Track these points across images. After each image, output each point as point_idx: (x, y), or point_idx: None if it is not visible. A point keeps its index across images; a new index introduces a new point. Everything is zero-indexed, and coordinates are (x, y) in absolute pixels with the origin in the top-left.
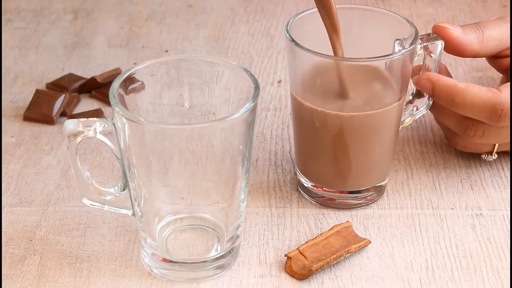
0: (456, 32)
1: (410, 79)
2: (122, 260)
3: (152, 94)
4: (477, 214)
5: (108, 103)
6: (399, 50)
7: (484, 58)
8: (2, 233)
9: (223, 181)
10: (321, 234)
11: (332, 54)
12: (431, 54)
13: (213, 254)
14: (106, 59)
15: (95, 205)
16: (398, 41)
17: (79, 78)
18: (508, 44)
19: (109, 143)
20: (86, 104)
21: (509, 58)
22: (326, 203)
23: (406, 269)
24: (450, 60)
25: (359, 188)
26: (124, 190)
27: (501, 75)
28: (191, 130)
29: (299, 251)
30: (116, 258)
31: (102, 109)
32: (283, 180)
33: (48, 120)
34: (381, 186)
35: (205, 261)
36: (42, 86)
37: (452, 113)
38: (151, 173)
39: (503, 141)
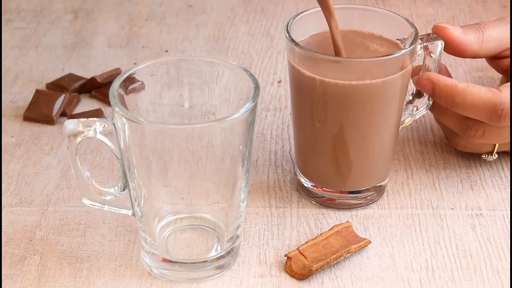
0: (456, 33)
1: (410, 79)
2: (122, 260)
3: (152, 94)
4: (477, 214)
5: (108, 103)
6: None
7: (484, 58)
8: (2, 233)
9: (223, 181)
10: (321, 234)
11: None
12: (431, 54)
13: (213, 254)
14: (106, 59)
15: (95, 205)
16: (398, 41)
17: (79, 78)
18: (508, 45)
19: (109, 143)
20: (86, 104)
21: (509, 59)
22: (326, 203)
23: (406, 269)
24: (450, 60)
25: (359, 188)
26: (124, 190)
27: (501, 75)
28: (191, 130)
29: (299, 251)
30: (116, 258)
31: (102, 109)
32: (283, 180)
33: (48, 120)
34: (381, 186)
35: (205, 261)
36: (42, 86)
37: (452, 113)
38: (151, 173)
39: (504, 141)
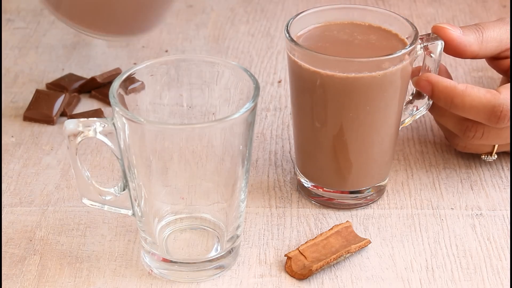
0: (456, 33)
1: (410, 80)
2: (122, 260)
3: (152, 94)
4: (477, 214)
5: (108, 103)
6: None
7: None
8: (2, 233)
9: (223, 181)
10: (321, 234)
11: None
12: (431, 54)
13: (213, 254)
14: (106, 59)
15: (95, 205)
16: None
17: (79, 78)
18: (508, 45)
19: (109, 143)
20: (86, 104)
21: (508, 59)
22: (326, 203)
23: (406, 269)
24: (450, 61)
25: (359, 188)
26: (124, 190)
27: (501, 76)
28: (191, 130)
29: (299, 251)
30: (116, 258)
31: (102, 109)
32: (283, 180)
33: (48, 120)
34: (381, 186)
35: (205, 261)
36: (42, 86)
37: (451, 115)
38: (151, 173)
39: (503, 142)
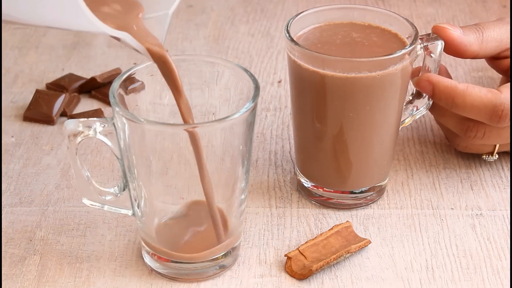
0: (456, 33)
1: (410, 80)
2: (122, 260)
3: (152, 94)
4: (477, 214)
5: (108, 103)
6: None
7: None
8: (2, 233)
9: (223, 181)
10: (321, 234)
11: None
12: (431, 54)
13: (213, 254)
14: (106, 59)
15: (95, 205)
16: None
17: (79, 78)
18: (508, 45)
19: (109, 143)
20: (86, 104)
21: (508, 59)
22: (326, 203)
23: (406, 269)
24: (450, 61)
25: (359, 188)
26: (124, 190)
27: (501, 76)
28: (191, 130)
29: (299, 251)
30: (116, 258)
31: (102, 109)
32: (283, 180)
33: (48, 120)
34: (381, 186)
35: (205, 261)
36: (42, 86)
37: (452, 115)
38: (151, 173)
39: (504, 142)
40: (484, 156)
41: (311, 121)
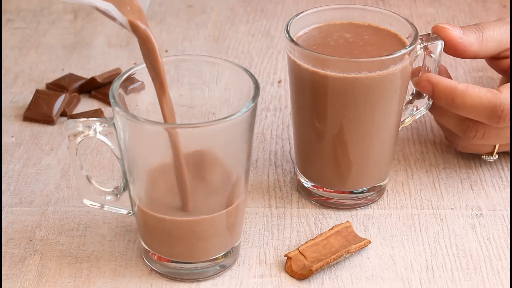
0: (456, 33)
1: (410, 80)
2: (122, 260)
3: (152, 94)
4: (477, 214)
5: (108, 103)
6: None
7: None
8: (2, 233)
9: (223, 181)
10: (321, 234)
11: None
12: (431, 54)
13: (213, 254)
14: (106, 59)
15: (95, 205)
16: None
17: (79, 78)
18: (508, 45)
19: (109, 143)
20: (86, 104)
21: (508, 59)
22: (326, 203)
23: (406, 269)
24: (450, 61)
25: (359, 188)
26: (124, 190)
27: (500, 76)
28: (191, 130)
29: (299, 251)
30: (116, 258)
31: (102, 109)
32: (283, 180)
33: (48, 120)
34: (381, 186)
35: (205, 261)
36: (42, 86)
37: (452, 115)
38: (151, 173)
39: (504, 142)
40: (484, 156)
41: (311, 121)
